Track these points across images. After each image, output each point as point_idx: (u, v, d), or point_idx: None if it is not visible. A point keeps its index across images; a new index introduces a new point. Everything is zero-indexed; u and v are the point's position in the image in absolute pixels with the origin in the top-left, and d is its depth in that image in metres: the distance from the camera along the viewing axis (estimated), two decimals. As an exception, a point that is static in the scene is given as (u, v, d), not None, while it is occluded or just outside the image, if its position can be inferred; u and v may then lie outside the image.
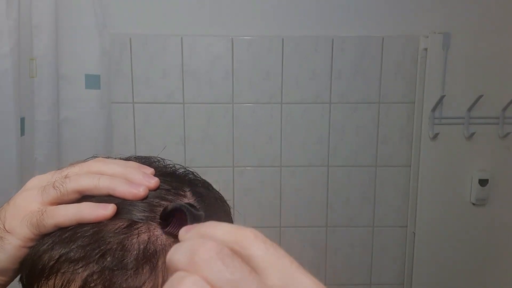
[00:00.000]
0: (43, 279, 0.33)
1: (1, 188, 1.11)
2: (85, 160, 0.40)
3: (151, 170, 0.38)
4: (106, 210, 0.33)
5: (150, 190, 0.36)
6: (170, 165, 0.42)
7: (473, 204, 1.47)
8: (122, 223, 0.33)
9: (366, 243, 1.54)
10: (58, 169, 0.38)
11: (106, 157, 0.40)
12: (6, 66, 1.08)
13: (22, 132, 1.17)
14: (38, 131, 1.26)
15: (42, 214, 0.34)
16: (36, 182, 0.38)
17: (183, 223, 0.31)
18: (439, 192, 1.47)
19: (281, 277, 0.22)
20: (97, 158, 0.39)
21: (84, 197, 0.35)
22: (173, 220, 0.33)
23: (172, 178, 0.40)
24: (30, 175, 1.23)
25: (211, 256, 0.22)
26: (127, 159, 0.42)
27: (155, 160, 0.42)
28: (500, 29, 1.43)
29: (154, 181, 0.36)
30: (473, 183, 1.45)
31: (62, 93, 1.32)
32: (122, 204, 0.35)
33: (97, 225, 0.33)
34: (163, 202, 0.36)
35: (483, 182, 1.44)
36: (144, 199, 0.35)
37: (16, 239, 0.35)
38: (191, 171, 0.42)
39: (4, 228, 0.35)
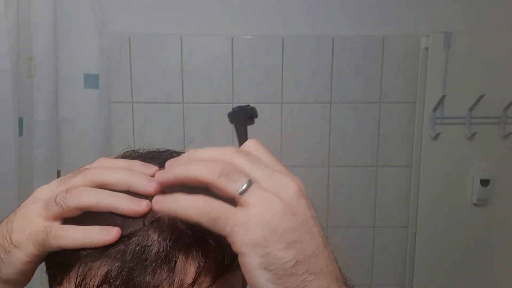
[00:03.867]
0: (65, 269, 0.34)
1: (0, 189, 1.10)
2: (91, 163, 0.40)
3: (154, 170, 0.37)
4: (111, 235, 0.32)
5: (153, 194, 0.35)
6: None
7: (475, 204, 1.47)
8: (145, 221, 0.34)
9: (367, 243, 1.53)
10: (65, 177, 0.37)
11: (112, 157, 0.40)
12: (4, 65, 1.08)
13: (21, 132, 1.16)
14: (37, 131, 1.25)
15: (47, 235, 0.34)
16: (42, 194, 0.37)
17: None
18: (440, 193, 1.46)
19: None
20: (101, 160, 0.38)
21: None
22: None
23: None
24: (29, 175, 1.23)
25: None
26: (153, 155, 0.41)
27: (167, 153, 0.42)
28: (502, 28, 1.42)
29: (157, 186, 0.35)
30: (475, 183, 1.44)
31: (61, 92, 1.32)
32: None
33: (124, 221, 0.33)
34: None
35: (484, 182, 1.43)
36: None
37: (23, 255, 0.35)
38: None
39: (11, 241, 0.35)
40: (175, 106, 1.44)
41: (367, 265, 1.54)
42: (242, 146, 0.36)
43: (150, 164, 0.38)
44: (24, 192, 1.15)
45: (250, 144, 0.36)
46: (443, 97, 1.37)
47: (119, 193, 0.34)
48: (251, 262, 0.30)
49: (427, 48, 1.40)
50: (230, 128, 1.46)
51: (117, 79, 1.42)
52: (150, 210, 0.34)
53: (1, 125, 1.09)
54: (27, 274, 0.36)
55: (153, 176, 0.36)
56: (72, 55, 1.31)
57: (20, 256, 0.35)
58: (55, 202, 0.34)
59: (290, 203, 0.32)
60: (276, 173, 0.33)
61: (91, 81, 1.32)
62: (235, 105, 1.45)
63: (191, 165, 0.33)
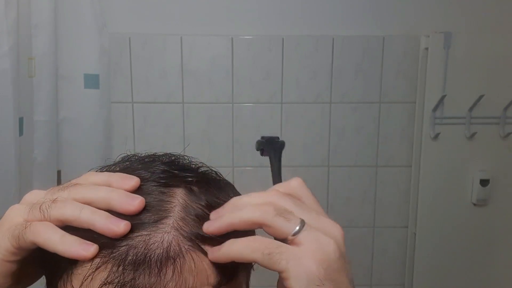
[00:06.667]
0: (69, 266, 0.33)
1: (0, 189, 1.10)
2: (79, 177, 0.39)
3: (134, 182, 0.36)
4: (87, 252, 0.32)
5: (133, 213, 0.34)
6: (194, 163, 0.42)
7: (474, 204, 1.47)
8: (148, 220, 0.34)
9: (366, 243, 1.53)
10: (55, 188, 0.36)
11: (101, 170, 0.39)
12: (5, 65, 1.08)
13: (21, 132, 1.17)
14: (37, 131, 1.25)
15: (25, 228, 0.33)
16: (31, 197, 0.36)
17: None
18: (440, 193, 1.46)
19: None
20: (87, 175, 0.37)
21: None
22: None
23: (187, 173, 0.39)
24: (29, 175, 1.23)
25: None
26: (152, 158, 0.41)
27: (166, 157, 0.42)
28: (502, 28, 1.42)
29: (137, 203, 0.33)
30: (474, 183, 1.44)
31: (61, 92, 1.32)
32: (147, 202, 0.34)
33: (129, 219, 0.33)
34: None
35: (484, 182, 1.43)
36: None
37: None
38: (214, 171, 0.42)
39: None
40: (175, 106, 1.44)
41: (367, 265, 1.55)
42: (287, 183, 0.37)
43: (130, 176, 0.36)
44: (24, 192, 1.14)
45: (294, 184, 0.36)
46: (443, 97, 1.37)
47: (100, 211, 0.33)
48: None
49: (427, 48, 1.40)
50: (230, 129, 1.46)
51: (117, 79, 1.42)
52: (129, 230, 0.33)
53: (1, 125, 1.09)
54: (4, 275, 0.34)
55: (136, 186, 0.35)
56: (72, 55, 1.31)
57: None
58: (40, 208, 0.34)
59: (340, 244, 0.33)
60: (321, 216, 0.34)
61: (91, 81, 1.32)
62: (235, 105, 1.45)
63: (242, 210, 0.34)
